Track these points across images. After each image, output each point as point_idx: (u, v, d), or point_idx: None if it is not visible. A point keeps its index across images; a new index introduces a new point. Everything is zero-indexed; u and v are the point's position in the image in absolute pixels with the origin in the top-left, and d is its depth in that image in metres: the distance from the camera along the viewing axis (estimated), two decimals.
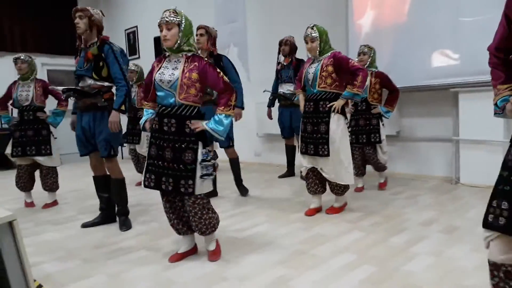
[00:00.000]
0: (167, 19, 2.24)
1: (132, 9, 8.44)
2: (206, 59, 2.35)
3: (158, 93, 2.36)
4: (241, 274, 2.25)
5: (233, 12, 6.53)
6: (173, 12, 2.27)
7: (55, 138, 4.16)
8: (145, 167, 2.44)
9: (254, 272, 2.26)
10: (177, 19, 2.25)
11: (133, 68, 4.98)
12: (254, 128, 6.37)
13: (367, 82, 3.96)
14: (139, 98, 4.84)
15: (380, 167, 4.14)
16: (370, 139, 4.01)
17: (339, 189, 3.30)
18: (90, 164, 3.32)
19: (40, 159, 4.02)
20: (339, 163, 3.18)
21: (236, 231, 3.03)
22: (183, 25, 2.27)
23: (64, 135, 7.80)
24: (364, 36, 4.91)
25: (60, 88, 3.19)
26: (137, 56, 8.35)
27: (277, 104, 5.09)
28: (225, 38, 6.32)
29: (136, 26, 8.39)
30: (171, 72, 2.30)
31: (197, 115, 2.33)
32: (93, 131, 3.13)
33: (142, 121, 2.51)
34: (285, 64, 4.82)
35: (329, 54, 3.16)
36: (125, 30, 8.67)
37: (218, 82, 2.34)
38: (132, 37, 8.57)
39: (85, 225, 3.31)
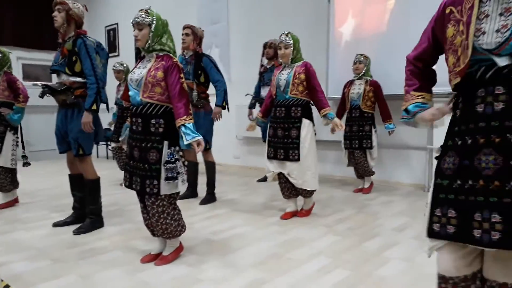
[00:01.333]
0: (137, 19, 2.27)
1: (113, 5, 8.32)
2: (175, 60, 2.32)
3: (130, 93, 2.37)
4: (216, 276, 2.24)
5: (216, 13, 6.52)
6: (144, 12, 2.29)
7: (16, 138, 3.92)
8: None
9: (229, 275, 2.25)
10: (148, 20, 2.27)
11: (119, 68, 4.93)
12: (233, 131, 6.36)
13: (361, 90, 4.17)
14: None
15: (367, 172, 4.29)
16: (362, 145, 4.19)
17: (307, 192, 3.34)
18: (67, 161, 3.25)
19: None
20: (307, 168, 3.22)
21: (212, 233, 3.02)
22: (154, 26, 2.28)
23: (39, 132, 7.59)
24: (344, 44, 4.99)
25: (38, 83, 3.08)
26: (116, 53, 8.24)
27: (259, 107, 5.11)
28: (208, 39, 6.28)
29: (117, 23, 8.27)
30: (140, 71, 2.32)
31: (164, 114, 2.30)
32: (65, 128, 3.06)
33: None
34: (268, 67, 4.83)
35: (300, 63, 3.24)
36: (105, 27, 8.54)
37: (175, 86, 2.24)
38: (112, 34, 8.45)
39: (56, 224, 3.23)
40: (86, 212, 3.17)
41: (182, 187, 2.34)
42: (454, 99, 1.37)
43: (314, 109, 3.32)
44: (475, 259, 1.31)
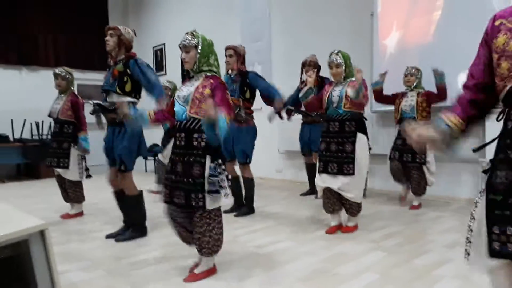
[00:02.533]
0: (184, 42, 2.35)
1: (160, 27, 8.71)
2: (221, 80, 2.40)
3: (175, 108, 2.44)
4: None
5: (258, 32, 6.65)
6: (190, 35, 2.37)
7: (82, 157, 4.20)
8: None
9: None
10: (194, 42, 2.34)
11: (166, 84, 5.12)
12: (275, 144, 6.39)
13: (413, 102, 4.09)
14: None
15: (420, 189, 4.13)
16: (415, 159, 4.03)
17: (354, 209, 3.28)
18: (109, 178, 3.41)
19: (60, 171, 4.14)
20: (360, 182, 3.21)
21: (257, 247, 3.03)
22: (200, 47, 2.35)
23: (92, 147, 7.99)
24: (388, 56, 4.92)
25: (90, 101, 3.30)
26: (164, 72, 8.57)
27: (299, 121, 5.15)
28: (250, 56, 6.40)
29: (164, 44, 8.63)
30: (188, 88, 2.40)
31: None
32: (111, 144, 3.25)
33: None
34: None
35: (354, 78, 3.23)
36: (153, 47, 8.93)
37: (223, 102, 2.30)
38: (159, 54, 8.82)
39: (109, 236, 3.38)
40: (130, 221, 3.37)
41: (225, 201, 2.37)
42: (505, 111, 1.31)
43: (367, 124, 3.37)
44: None
